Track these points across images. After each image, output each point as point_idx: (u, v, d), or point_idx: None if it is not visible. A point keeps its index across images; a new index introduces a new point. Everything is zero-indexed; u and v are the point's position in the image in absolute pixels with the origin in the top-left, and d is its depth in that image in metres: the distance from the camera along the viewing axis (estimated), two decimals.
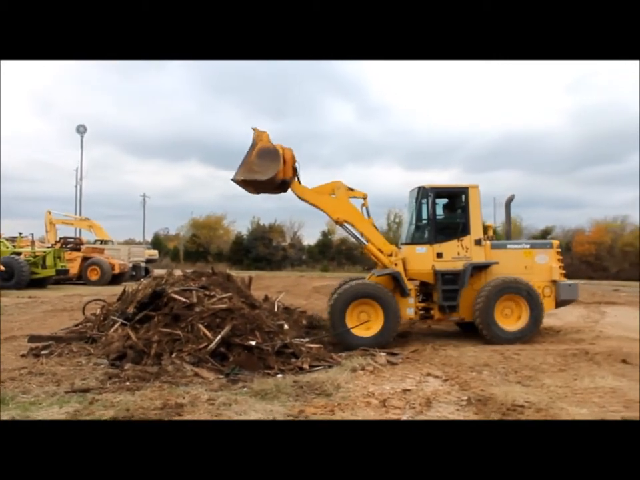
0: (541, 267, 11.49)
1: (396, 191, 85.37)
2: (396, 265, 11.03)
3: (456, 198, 11.58)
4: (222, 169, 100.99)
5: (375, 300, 10.45)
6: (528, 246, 11.86)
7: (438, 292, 10.99)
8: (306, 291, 23.11)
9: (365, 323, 10.38)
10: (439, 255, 11.08)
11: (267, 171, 10.42)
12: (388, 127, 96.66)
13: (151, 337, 8.40)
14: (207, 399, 6.12)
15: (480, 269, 11.17)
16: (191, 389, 6.63)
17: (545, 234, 52.97)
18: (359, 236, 11.44)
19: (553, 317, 12.14)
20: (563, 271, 11.76)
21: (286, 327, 10.21)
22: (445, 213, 11.77)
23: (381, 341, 10.19)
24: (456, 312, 11.05)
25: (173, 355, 8.00)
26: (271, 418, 5.59)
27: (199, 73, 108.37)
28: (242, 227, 71.69)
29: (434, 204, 11.24)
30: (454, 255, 11.12)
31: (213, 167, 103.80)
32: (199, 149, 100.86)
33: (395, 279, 10.84)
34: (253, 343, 8.28)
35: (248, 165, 10.47)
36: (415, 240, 11.46)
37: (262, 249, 54.94)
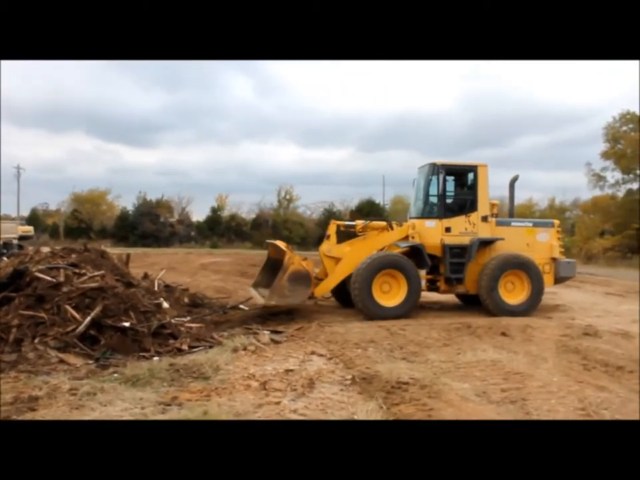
0: (542, 245, 12.16)
1: (289, 168, 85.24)
2: (413, 237, 11.44)
3: (465, 175, 12.01)
4: (110, 142, 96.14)
5: (400, 271, 10.77)
6: (530, 224, 12.53)
7: (445, 265, 11.45)
8: (193, 268, 22.30)
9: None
10: (448, 230, 11.56)
11: (299, 295, 10.50)
12: (285, 104, 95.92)
13: (10, 321, 7.54)
14: (69, 389, 5.51)
15: (485, 244, 11.69)
16: (52, 378, 5.96)
17: None
18: None
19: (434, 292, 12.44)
20: (562, 249, 12.43)
21: (166, 305, 9.64)
22: (455, 189, 12.13)
23: (405, 310, 10.67)
24: (462, 284, 11.54)
25: (36, 340, 7.24)
26: (139, 407, 5.10)
27: None
28: (127, 202, 68.77)
29: (444, 180, 11.48)
30: (461, 230, 11.60)
31: (101, 139, 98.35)
32: (85, 120, 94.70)
33: (417, 250, 11.17)
34: (127, 324, 7.69)
35: (280, 289, 10.36)
36: (424, 214, 11.84)
37: (149, 225, 52.60)
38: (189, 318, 9.61)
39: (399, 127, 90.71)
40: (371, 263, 10.63)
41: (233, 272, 20.66)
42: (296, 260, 10.63)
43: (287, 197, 58.07)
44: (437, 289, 11.92)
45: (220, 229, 56.14)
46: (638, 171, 37.89)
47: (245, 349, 7.57)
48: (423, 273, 11.33)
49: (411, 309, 10.85)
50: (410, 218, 12.33)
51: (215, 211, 58.12)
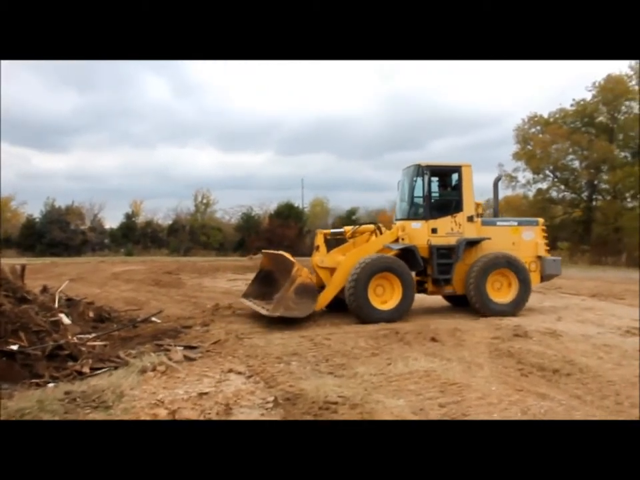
0: (527, 243, 12.26)
1: (208, 172, 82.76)
2: (403, 239, 11.30)
3: (450, 176, 12.00)
4: (18, 146, 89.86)
5: (395, 274, 10.64)
6: (516, 223, 12.60)
7: (433, 266, 11.39)
8: (103, 278, 20.97)
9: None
10: (434, 231, 11.51)
11: (305, 308, 10.19)
12: (203, 107, 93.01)
13: None
14: None
15: (472, 244, 11.70)
16: None
17: (350, 214, 54.89)
18: None
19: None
20: (548, 247, 12.58)
21: (67, 322, 8.69)
22: (440, 190, 12.09)
23: (399, 314, 10.55)
24: (450, 285, 11.51)
25: None
26: None
27: None
28: (34, 209, 64.84)
29: (429, 181, 11.50)
30: (448, 230, 11.56)
31: (7, 143, 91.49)
32: None
33: (410, 252, 11.07)
34: (15, 347, 6.69)
35: (285, 300, 10.05)
36: (410, 216, 11.76)
37: (58, 233, 49.66)
38: (93, 335, 8.66)
39: (317, 130, 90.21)
40: (366, 267, 10.45)
41: (146, 281, 19.53)
42: (304, 272, 10.44)
43: (204, 201, 56.69)
44: (424, 291, 11.85)
45: (135, 236, 53.89)
46: (547, 171, 39.34)
47: (154, 369, 6.72)
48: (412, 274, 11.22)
49: (406, 311, 10.74)
50: (395, 220, 12.31)
51: (129, 217, 55.81)
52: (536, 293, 15.73)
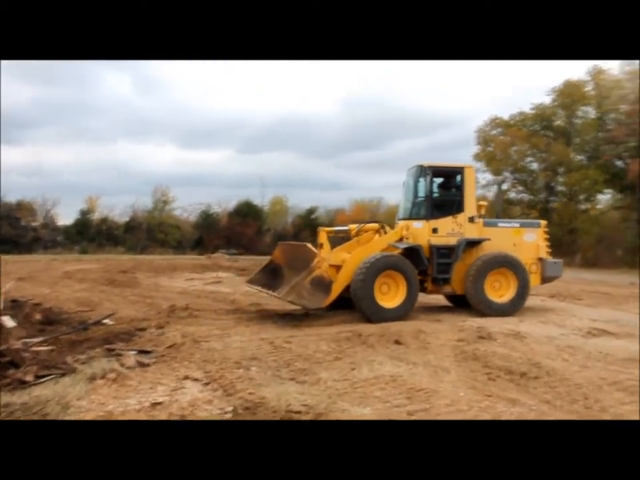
0: (528, 245, 12.38)
1: (168, 169, 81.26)
2: (407, 238, 11.42)
3: (452, 177, 12.12)
4: None
5: (400, 272, 10.71)
6: (517, 225, 12.78)
7: (433, 265, 11.44)
8: (55, 277, 20.18)
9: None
10: (435, 230, 11.60)
11: (316, 301, 10.21)
12: (165, 104, 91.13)
13: None
14: None
15: (472, 244, 11.78)
16: None
17: (310, 213, 54.88)
18: None
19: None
20: (549, 250, 12.63)
21: (11, 324, 8.19)
22: (441, 190, 12.23)
23: (405, 311, 10.65)
24: (449, 284, 11.58)
25: None
26: None
27: None
28: None
29: (431, 182, 11.62)
30: (448, 230, 11.65)
31: None
32: None
33: (414, 251, 11.14)
34: None
35: (298, 287, 10.10)
36: (412, 215, 11.87)
37: (7, 229, 47.95)
38: (39, 339, 8.15)
39: (279, 129, 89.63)
40: (373, 265, 10.49)
41: (100, 280, 18.84)
42: (324, 265, 10.51)
43: (163, 198, 55.72)
44: (424, 290, 11.82)
45: (90, 233, 52.59)
46: (506, 173, 39.88)
47: (104, 377, 6.27)
48: None
49: (410, 310, 10.82)
50: (398, 219, 12.42)
51: (84, 213, 54.36)
52: None
